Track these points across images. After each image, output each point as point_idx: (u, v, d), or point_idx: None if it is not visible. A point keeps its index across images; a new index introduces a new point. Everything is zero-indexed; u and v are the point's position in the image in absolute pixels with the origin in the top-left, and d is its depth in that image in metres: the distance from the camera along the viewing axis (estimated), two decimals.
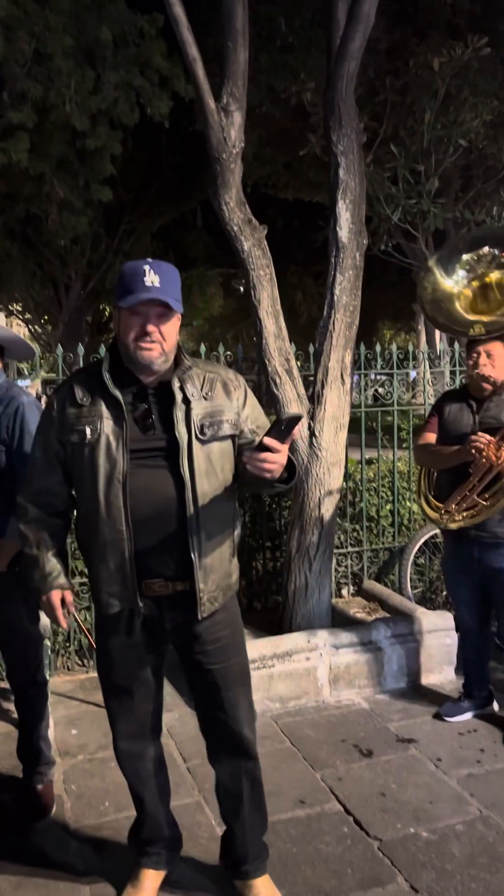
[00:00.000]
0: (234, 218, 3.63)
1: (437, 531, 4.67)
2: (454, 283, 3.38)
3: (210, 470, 2.04)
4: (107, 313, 17.75)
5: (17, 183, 7.42)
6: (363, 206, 3.83)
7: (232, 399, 2.13)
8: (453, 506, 3.13)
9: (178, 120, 7.86)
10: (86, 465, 2.01)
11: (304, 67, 7.40)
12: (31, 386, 4.23)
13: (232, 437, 2.11)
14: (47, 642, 3.25)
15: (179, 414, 2.02)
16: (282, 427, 1.80)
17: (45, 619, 3.24)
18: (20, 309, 16.71)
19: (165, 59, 6.25)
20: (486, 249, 3.39)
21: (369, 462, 4.75)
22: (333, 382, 3.80)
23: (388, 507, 4.78)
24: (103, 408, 2.02)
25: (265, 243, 3.71)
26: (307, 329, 14.57)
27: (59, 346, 4.04)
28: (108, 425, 2.00)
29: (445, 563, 3.48)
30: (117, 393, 2.02)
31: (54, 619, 2.10)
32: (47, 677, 3.24)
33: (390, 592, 4.48)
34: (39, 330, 16.22)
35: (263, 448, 1.82)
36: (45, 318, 15.76)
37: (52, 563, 2.11)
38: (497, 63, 7.52)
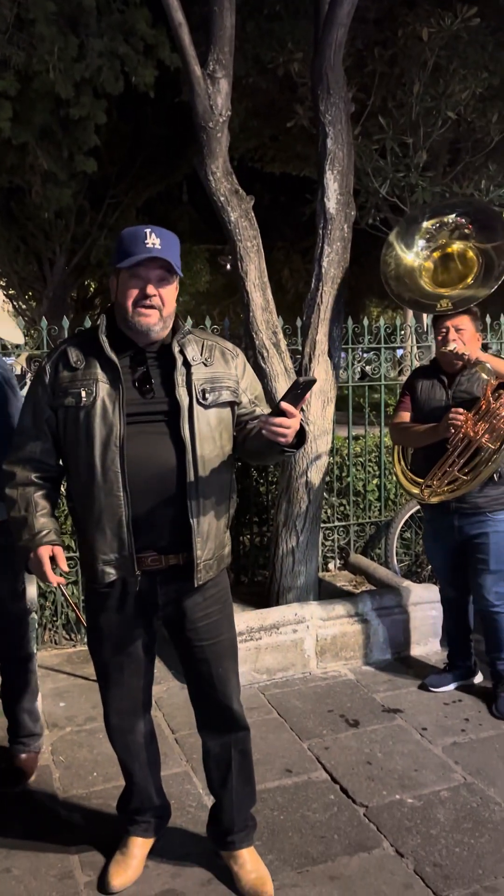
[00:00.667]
0: (221, 188, 3.58)
1: None
2: (415, 255, 3.40)
3: (210, 436, 2.02)
4: (92, 289, 17.58)
5: None
6: (351, 176, 3.80)
7: (230, 367, 2.12)
8: (434, 481, 3.15)
9: (163, 91, 7.72)
10: (81, 429, 1.97)
11: (291, 37, 7.26)
12: (15, 362, 4.19)
13: (231, 405, 2.10)
14: (35, 616, 3.24)
15: (180, 378, 2.01)
16: (297, 391, 1.80)
17: (31, 593, 3.24)
18: (3, 284, 16.50)
19: (150, 26, 6.12)
20: (448, 218, 3.39)
21: (356, 437, 4.75)
22: (321, 356, 3.79)
23: (375, 481, 4.80)
24: (99, 371, 1.98)
25: (252, 214, 3.67)
26: (294, 305, 14.49)
27: (44, 319, 4.00)
28: (103, 388, 1.97)
29: (426, 535, 3.53)
30: (113, 356, 1.98)
31: (42, 576, 2.03)
32: (34, 651, 3.24)
33: (376, 566, 4.51)
34: (24, 306, 16.03)
35: (280, 413, 1.82)
36: (29, 293, 15.57)
37: (42, 522, 2.06)
38: (487, 34, 7.41)
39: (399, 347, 5.29)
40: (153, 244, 1.93)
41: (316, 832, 2.50)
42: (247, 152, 10.15)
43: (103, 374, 1.98)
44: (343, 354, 4.17)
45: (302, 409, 3.70)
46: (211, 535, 2.06)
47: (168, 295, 1.99)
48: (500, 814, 2.57)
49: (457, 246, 3.35)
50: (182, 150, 11.62)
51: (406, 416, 3.32)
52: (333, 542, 4.73)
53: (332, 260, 3.76)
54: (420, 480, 3.26)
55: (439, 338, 3.16)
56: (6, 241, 12.71)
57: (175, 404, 1.99)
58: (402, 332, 5.01)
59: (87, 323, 4.04)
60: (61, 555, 2.03)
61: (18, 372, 4.15)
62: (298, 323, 4.10)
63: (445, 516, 3.24)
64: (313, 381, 1.83)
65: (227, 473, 2.10)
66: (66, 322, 3.96)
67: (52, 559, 2.03)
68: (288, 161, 10.48)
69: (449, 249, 3.37)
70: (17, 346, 4.22)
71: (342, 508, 4.73)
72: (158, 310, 1.97)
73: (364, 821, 2.55)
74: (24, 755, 2.84)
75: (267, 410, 2.15)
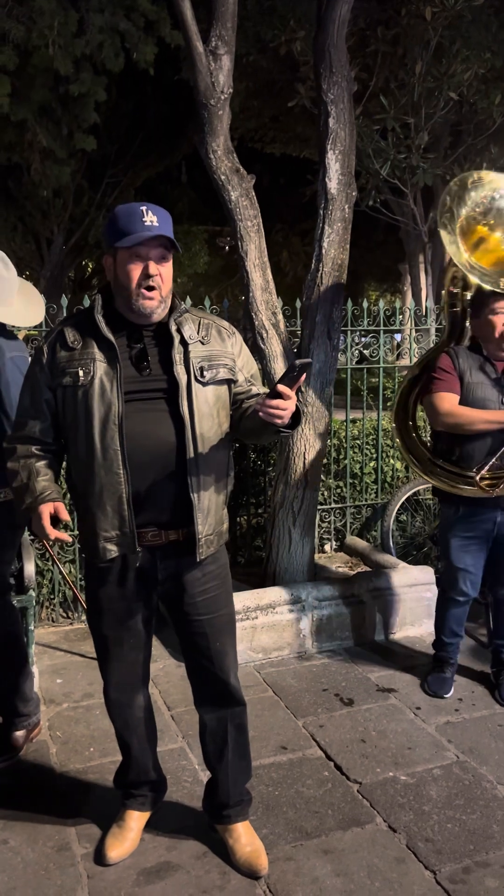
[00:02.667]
0: (222, 167, 3.56)
1: (420, 488, 4.72)
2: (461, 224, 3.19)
3: (209, 413, 2.03)
4: (89, 269, 17.48)
5: None
6: (353, 156, 3.77)
7: (227, 345, 2.13)
8: None
9: (163, 69, 7.65)
10: (79, 408, 1.98)
11: (293, 15, 7.20)
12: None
13: (228, 382, 2.11)
14: (32, 593, 3.26)
15: (178, 355, 2.01)
16: (294, 373, 1.82)
17: (29, 571, 3.25)
18: None
19: (151, 3, 6.05)
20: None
21: (354, 420, 4.76)
22: (320, 337, 3.78)
23: (372, 464, 4.81)
24: (96, 350, 1.99)
25: (253, 193, 3.65)
26: (293, 287, 14.44)
27: (43, 297, 3.97)
28: (101, 367, 1.97)
29: (454, 531, 3.19)
30: (110, 335, 1.99)
31: (42, 533, 1.99)
32: (21, 632, 3.23)
33: (372, 548, 4.53)
34: None
35: (276, 395, 1.84)
36: (27, 273, 15.49)
37: (44, 485, 2.04)
38: (490, 15, 7.35)
39: (398, 331, 5.29)
40: (151, 221, 1.92)
41: (310, 807, 2.53)
42: (247, 132, 10.08)
43: (100, 353, 1.98)
44: (342, 337, 4.16)
45: (300, 390, 3.72)
46: (211, 511, 2.07)
47: (167, 273, 2.00)
48: (491, 791, 2.61)
49: (498, 235, 3.22)
50: (182, 130, 11.53)
51: (455, 399, 3.05)
52: (330, 523, 4.75)
53: (333, 241, 3.74)
54: (470, 474, 3.06)
55: (495, 318, 2.99)
56: (4, 220, 12.62)
57: (173, 382, 2.00)
58: (402, 316, 5.00)
59: (87, 302, 4.03)
60: (63, 508, 2.00)
61: None
62: (298, 304, 4.09)
63: (487, 511, 3.10)
64: (309, 364, 1.84)
65: (225, 451, 2.11)
66: (64, 301, 3.95)
67: (55, 517, 2.00)
68: (288, 142, 10.41)
69: (483, 232, 3.24)
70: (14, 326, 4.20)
71: (339, 491, 4.75)
72: (159, 289, 1.97)
73: (358, 797, 2.59)
74: (17, 732, 2.86)
75: (263, 390, 2.18)
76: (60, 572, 3.89)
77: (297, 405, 1.89)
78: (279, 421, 1.85)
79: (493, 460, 3.03)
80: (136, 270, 1.95)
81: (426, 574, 3.93)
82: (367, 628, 3.80)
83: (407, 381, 3.49)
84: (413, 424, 3.47)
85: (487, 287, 2.99)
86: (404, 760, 2.79)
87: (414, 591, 3.88)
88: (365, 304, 4.54)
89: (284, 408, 1.84)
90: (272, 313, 3.75)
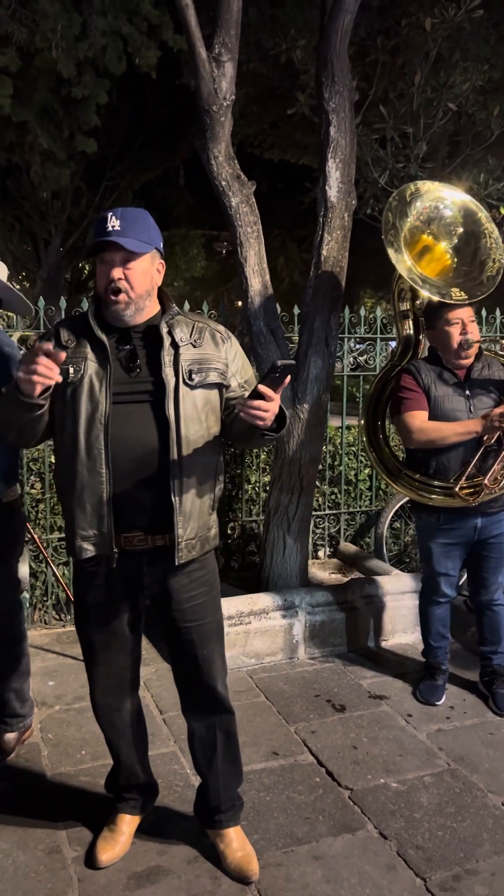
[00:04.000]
0: (223, 172, 3.58)
1: None
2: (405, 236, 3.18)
3: (196, 416, 2.03)
4: (86, 271, 17.48)
5: None
6: (353, 165, 3.80)
7: (220, 350, 2.12)
8: (486, 481, 3.01)
9: (164, 73, 7.66)
10: (67, 406, 1.99)
11: (294, 23, 7.20)
12: None
13: (219, 386, 2.10)
14: (26, 595, 3.25)
15: (167, 357, 2.01)
16: (276, 374, 1.80)
17: (23, 571, 3.25)
18: None
19: (154, 7, 6.07)
20: (445, 213, 3.25)
21: (349, 427, 4.77)
22: (318, 344, 3.80)
23: (367, 471, 4.83)
24: (88, 349, 2.01)
25: (253, 199, 3.67)
26: (289, 294, 14.47)
27: (41, 299, 3.98)
28: (91, 367, 1.99)
29: (434, 537, 3.21)
30: (102, 336, 2.01)
31: (35, 371, 1.76)
32: (25, 633, 3.25)
33: (366, 554, 4.55)
34: (17, 286, 15.96)
35: (257, 395, 1.83)
36: (23, 273, 15.48)
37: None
38: (489, 27, 7.39)
39: (393, 339, 5.31)
40: (113, 227, 1.94)
41: (301, 813, 2.53)
42: (246, 138, 10.07)
43: (92, 352, 2.00)
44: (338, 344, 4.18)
45: (296, 398, 3.73)
46: (193, 515, 2.06)
47: (135, 275, 1.98)
48: (482, 799, 2.62)
49: (443, 245, 3.26)
50: (181, 134, 11.54)
51: (424, 415, 3.06)
52: (324, 530, 4.76)
53: (332, 248, 3.76)
54: (449, 484, 3.07)
55: (451, 329, 3.03)
56: (1, 221, 12.62)
57: (161, 384, 2.00)
58: None
59: (85, 305, 4.03)
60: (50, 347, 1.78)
61: None
62: (296, 311, 4.10)
63: (467, 518, 3.12)
64: (292, 365, 1.83)
65: (212, 455, 2.10)
66: (63, 303, 3.95)
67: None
68: (287, 148, 10.41)
69: (428, 241, 3.27)
70: (10, 327, 4.20)
71: (333, 497, 4.76)
72: (126, 293, 1.97)
73: (349, 803, 2.59)
74: (6, 734, 2.85)
75: None
76: (54, 574, 3.89)
77: (281, 407, 1.90)
78: (261, 423, 1.86)
79: (469, 469, 3.05)
80: (103, 276, 1.98)
81: (419, 581, 3.94)
82: (360, 635, 3.81)
83: (369, 398, 3.53)
84: (384, 438, 3.50)
85: (437, 298, 3.04)
86: (395, 767, 2.80)
87: (407, 599, 3.90)
88: (362, 312, 4.55)
89: (266, 409, 1.83)
90: (270, 319, 3.76)
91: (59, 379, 1.82)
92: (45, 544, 3.94)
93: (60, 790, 2.65)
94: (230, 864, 2.24)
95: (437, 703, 3.26)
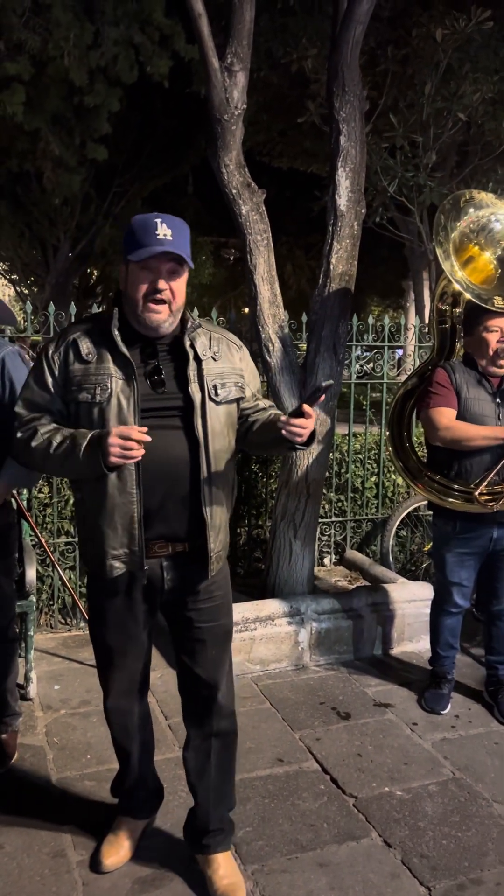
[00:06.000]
0: (234, 181, 3.60)
1: (421, 504, 4.73)
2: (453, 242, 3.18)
3: (221, 431, 2.03)
4: (94, 277, 17.56)
5: (10, 137, 7.28)
6: (363, 174, 3.81)
7: (236, 361, 2.13)
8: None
9: (174, 81, 7.73)
10: (94, 425, 1.94)
11: (305, 32, 7.27)
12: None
13: (237, 400, 2.11)
14: (32, 598, 3.27)
15: (192, 373, 1.99)
16: (318, 394, 1.88)
17: (30, 576, 3.26)
18: (7, 269, 16.48)
19: (166, 16, 6.13)
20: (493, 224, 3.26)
21: (356, 435, 4.78)
22: (326, 352, 3.81)
23: (373, 479, 4.83)
24: (112, 366, 1.95)
25: (263, 208, 3.69)
26: (297, 302, 14.52)
27: (52, 304, 4.01)
28: (118, 385, 1.94)
29: (450, 545, 3.19)
30: (126, 351, 1.96)
31: (129, 438, 1.79)
32: (31, 634, 3.27)
33: (372, 562, 4.55)
34: (26, 291, 16.03)
35: (300, 414, 1.87)
36: (32, 278, 15.56)
37: (83, 431, 1.91)
38: (499, 39, 7.44)
39: (400, 347, 5.32)
40: (164, 235, 1.90)
41: (306, 820, 2.53)
42: (255, 146, 10.15)
43: (117, 369, 1.95)
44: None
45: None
46: (222, 528, 2.09)
47: (178, 288, 1.96)
48: (486, 808, 2.61)
49: (487, 254, 3.25)
50: (190, 142, 11.62)
51: (453, 414, 3.06)
52: (330, 537, 4.76)
53: (341, 257, 3.78)
54: (468, 489, 3.08)
55: (489, 336, 3.04)
56: (11, 227, 12.70)
57: (188, 400, 1.98)
58: (406, 332, 5.04)
59: (95, 310, 4.05)
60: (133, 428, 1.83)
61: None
62: (304, 318, 4.12)
63: (484, 526, 3.11)
64: (332, 385, 1.91)
65: (232, 467, 2.12)
66: (73, 308, 3.98)
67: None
68: (296, 156, 10.48)
69: (474, 251, 3.27)
70: (21, 332, 4.23)
71: (340, 504, 4.77)
72: (168, 304, 1.94)
73: (353, 811, 2.59)
74: (4, 735, 2.86)
75: (268, 403, 2.20)
76: (60, 578, 3.90)
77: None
78: (299, 439, 1.89)
79: (492, 476, 3.05)
80: (144, 284, 1.93)
81: (425, 590, 3.94)
82: (366, 642, 3.81)
83: (401, 394, 3.52)
84: (407, 436, 3.50)
85: (483, 304, 3.02)
86: (400, 776, 2.79)
87: (413, 607, 3.89)
88: (370, 320, 4.57)
89: (306, 426, 1.88)
90: (279, 327, 3.78)
91: (143, 453, 1.83)
92: (52, 548, 3.95)
93: (65, 794, 2.65)
94: (215, 893, 2.16)
95: (443, 711, 3.26)
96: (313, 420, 1.89)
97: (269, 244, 3.73)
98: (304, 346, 4.05)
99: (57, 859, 2.32)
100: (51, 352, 2.02)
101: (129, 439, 1.80)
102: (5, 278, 17.29)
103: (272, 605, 3.67)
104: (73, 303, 4.13)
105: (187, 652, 2.19)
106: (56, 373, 2.00)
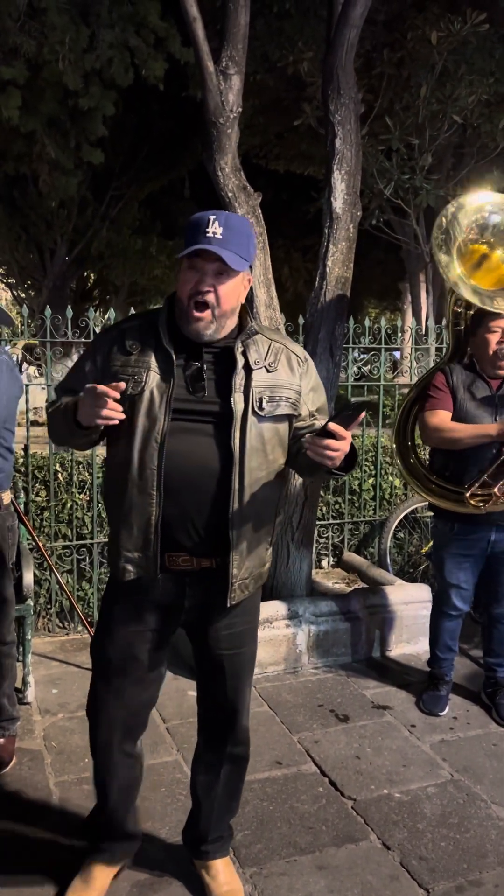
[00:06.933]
0: (229, 184, 3.60)
1: (418, 506, 4.74)
2: (456, 243, 3.14)
3: (261, 448, 1.88)
4: (91, 280, 17.54)
5: (6, 141, 7.29)
6: (358, 177, 3.82)
7: (295, 375, 1.95)
8: (496, 490, 3.01)
9: (170, 84, 7.74)
10: (124, 418, 1.80)
11: (301, 35, 7.29)
12: (11, 352, 4.20)
13: (289, 417, 1.94)
14: (30, 602, 3.26)
15: (238, 381, 1.86)
16: (349, 413, 1.70)
17: (28, 580, 3.26)
18: (3, 272, 16.47)
19: (161, 19, 6.14)
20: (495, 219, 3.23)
21: (353, 437, 4.78)
22: (323, 354, 3.82)
23: (371, 481, 4.83)
24: (152, 359, 1.86)
25: (259, 211, 3.70)
26: (293, 304, 14.51)
27: (49, 308, 4.01)
28: (153, 379, 1.85)
29: (448, 546, 3.22)
30: (170, 347, 1.86)
31: (99, 402, 1.72)
32: (15, 638, 3.25)
33: (369, 564, 4.55)
34: (23, 295, 16.02)
35: (327, 434, 1.69)
36: (29, 282, 15.54)
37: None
38: (495, 42, 7.46)
39: (397, 349, 5.33)
40: (213, 233, 1.78)
41: (304, 823, 2.53)
42: (251, 149, 10.16)
43: (156, 363, 1.86)
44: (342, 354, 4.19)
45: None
46: (252, 554, 1.93)
47: (226, 291, 1.82)
48: (485, 810, 2.61)
49: (499, 252, 3.22)
50: (186, 145, 11.62)
51: (447, 415, 3.08)
52: (327, 539, 4.77)
53: (337, 259, 3.79)
54: (459, 490, 3.09)
55: (491, 336, 3.03)
56: (7, 230, 12.69)
57: (228, 409, 1.85)
58: (402, 334, 5.05)
59: (91, 314, 4.06)
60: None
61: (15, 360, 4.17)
62: (300, 321, 4.12)
63: (481, 529, 3.12)
64: (368, 403, 1.73)
65: (275, 489, 1.94)
66: (69, 312, 3.98)
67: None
68: (292, 159, 10.50)
69: (484, 250, 3.24)
70: (15, 335, 4.23)
71: (337, 507, 4.77)
72: (212, 308, 1.82)
73: (352, 813, 2.59)
74: (1, 740, 2.85)
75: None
76: (58, 582, 3.90)
77: (352, 446, 1.76)
78: (329, 462, 1.72)
79: (484, 477, 3.05)
80: (188, 283, 1.83)
81: (423, 591, 3.95)
82: (364, 645, 3.81)
83: (406, 403, 3.52)
84: (412, 445, 3.50)
85: (477, 303, 3.03)
86: (399, 778, 2.79)
87: (410, 609, 3.90)
88: (367, 323, 4.58)
89: (336, 448, 1.69)
90: (275, 329, 3.78)
91: (123, 417, 1.75)
92: (49, 552, 3.95)
93: (64, 797, 2.65)
94: None
95: (441, 713, 3.26)
96: (347, 441, 1.69)
97: (265, 247, 3.74)
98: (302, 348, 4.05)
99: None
100: (99, 340, 1.98)
101: (101, 395, 1.70)
102: (2, 282, 17.29)
103: (270, 608, 3.67)
104: (69, 306, 4.13)
105: (208, 677, 2.10)
106: (98, 360, 1.94)
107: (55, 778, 2.76)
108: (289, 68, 7.37)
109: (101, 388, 1.70)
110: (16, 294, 16.60)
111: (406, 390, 6.17)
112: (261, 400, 1.87)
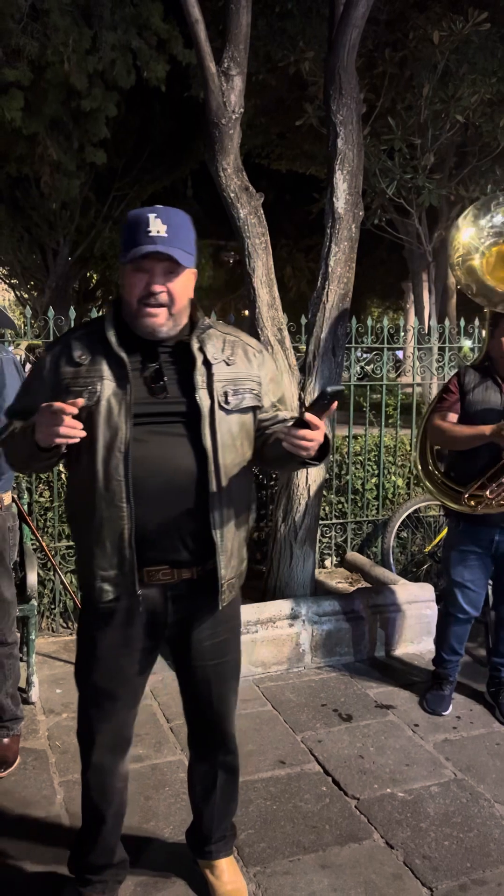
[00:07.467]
0: (231, 184, 3.61)
1: (421, 505, 4.75)
2: (477, 245, 3.17)
3: (232, 444, 1.83)
4: (94, 281, 17.58)
5: (8, 142, 7.31)
6: (360, 177, 3.83)
7: (253, 366, 1.92)
8: (487, 493, 3.02)
9: (172, 85, 7.76)
10: (84, 435, 1.72)
11: (303, 35, 7.30)
12: (15, 352, 4.21)
13: (253, 410, 1.91)
14: (34, 602, 3.27)
15: (200, 378, 1.81)
16: (324, 402, 1.66)
17: (31, 580, 3.27)
18: (6, 273, 16.50)
19: (163, 21, 6.15)
20: None
21: (356, 437, 4.79)
22: (325, 354, 3.82)
23: (374, 480, 4.84)
24: (104, 367, 1.78)
25: (261, 211, 3.70)
26: (296, 304, 14.53)
27: (51, 308, 4.02)
28: (109, 387, 1.76)
29: (455, 546, 3.24)
30: (121, 352, 1.79)
31: (56, 420, 1.63)
32: (32, 638, 3.28)
33: (372, 564, 4.55)
34: (26, 295, 16.06)
35: (303, 424, 1.66)
36: (32, 282, 15.58)
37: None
38: (497, 41, 7.46)
39: (399, 349, 5.34)
40: (157, 231, 1.71)
41: (308, 822, 2.54)
42: (253, 149, 10.18)
43: (109, 371, 1.78)
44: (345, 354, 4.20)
45: (302, 406, 3.75)
46: (235, 552, 1.88)
47: (179, 288, 1.77)
48: (488, 809, 2.61)
49: None
50: (188, 145, 11.65)
51: (454, 416, 3.12)
52: (331, 539, 4.77)
53: (339, 259, 3.79)
54: (459, 489, 3.11)
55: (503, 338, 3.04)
56: (10, 231, 12.73)
57: (194, 407, 1.79)
58: (405, 334, 5.05)
59: (94, 314, 4.07)
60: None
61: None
62: (303, 321, 4.13)
63: (485, 529, 3.12)
64: (341, 391, 1.68)
65: (247, 483, 1.91)
66: (72, 313, 3.99)
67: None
68: (294, 159, 10.52)
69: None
70: (18, 336, 4.25)
71: (340, 506, 4.77)
72: (167, 307, 1.77)
73: (355, 812, 2.59)
74: (6, 739, 2.87)
75: (290, 414, 2.00)
76: (62, 582, 3.91)
77: (325, 434, 1.71)
78: (304, 453, 1.69)
79: (483, 479, 3.06)
80: (137, 286, 1.76)
81: (426, 591, 3.95)
82: (367, 644, 3.81)
83: (428, 409, 3.51)
84: (432, 452, 3.49)
85: (487, 307, 3.05)
86: (402, 777, 2.80)
87: (414, 608, 3.90)
88: (369, 322, 4.58)
89: (312, 438, 1.66)
90: (278, 329, 3.79)
91: (84, 434, 1.67)
92: (52, 552, 3.96)
93: (68, 796, 2.66)
94: None
95: (444, 713, 3.26)
96: (321, 431, 1.66)
97: (268, 247, 3.74)
98: (303, 348, 4.06)
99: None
100: (44, 357, 1.89)
101: (57, 413, 1.61)
102: (5, 283, 17.32)
103: (273, 608, 3.68)
104: (72, 307, 4.14)
105: (192, 689, 2.05)
106: (45, 377, 1.85)
107: (59, 777, 2.77)
108: (291, 68, 7.39)
109: (57, 405, 1.62)
110: (19, 295, 16.64)
111: (409, 390, 6.18)
112: (225, 394, 1.83)
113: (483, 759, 2.92)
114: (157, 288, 1.75)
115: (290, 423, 1.72)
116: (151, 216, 1.73)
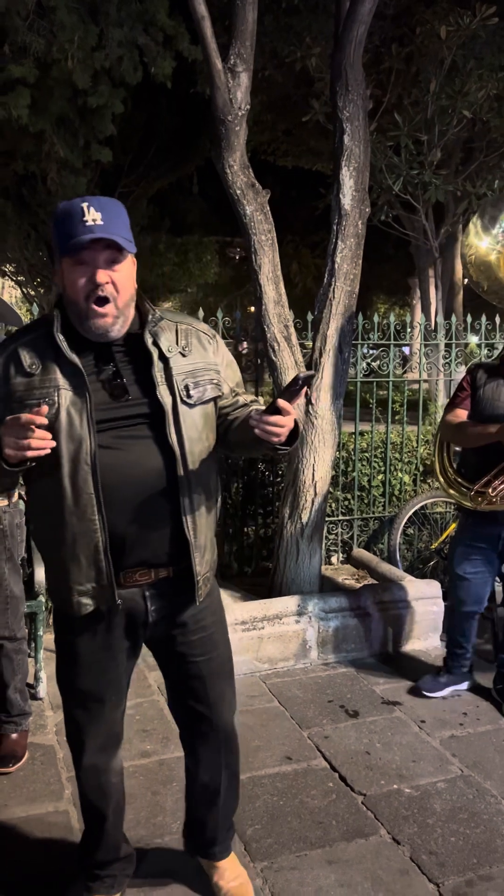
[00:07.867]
0: (238, 181, 3.61)
1: (428, 502, 4.74)
2: (491, 243, 3.19)
3: (198, 437, 1.80)
4: None
5: (15, 140, 7.32)
6: (367, 173, 3.82)
7: (209, 354, 1.88)
8: (490, 490, 3.03)
9: (178, 82, 7.75)
10: (54, 445, 1.64)
11: (309, 32, 7.28)
12: None
13: (214, 398, 1.87)
14: (41, 598, 3.29)
15: (158, 374, 1.75)
16: (295, 388, 1.64)
17: (39, 576, 3.29)
18: (13, 270, 16.53)
19: (169, 17, 6.15)
20: None
21: (362, 433, 4.79)
22: (331, 351, 3.82)
23: (380, 477, 4.84)
24: (59, 376, 1.69)
25: (268, 208, 3.70)
26: (302, 300, 14.51)
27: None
28: (66, 397, 1.68)
29: (461, 541, 3.28)
30: (74, 357, 1.70)
31: (20, 432, 1.55)
32: (40, 634, 3.29)
33: (379, 560, 4.55)
34: (32, 293, 16.06)
35: (275, 410, 1.62)
36: (38, 280, 15.59)
37: None
38: None
39: (406, 345, 5.33)
40: (94, 220, 1.63)
41: (314, 818, 2.54)
42: (259, 145, 10.17)
43: (64, 379, 1.69)
44: (351, 350, 4.19)
45: (308, 403, 3.75)
46: (207, 547, 1.87)
47: (122, 279, 1.69)
48: (495, 805, 2.62)
49: None
50: (194, 142, 11.64)
51: (463, 413, 3.16)
52: (337, 535, 4.77)
53: (346, 256, 3.79)
54: (468, 485, 3.14)
55: None
56: (17, 228, 12.73)
57: (157, 405, 1.74)
58: (412, 330, 5.04)
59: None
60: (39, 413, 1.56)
61: None
62: (309, 317, 4.13)
63: (491, 526, 3.14)
64: (312, 376, 1.69)
65: (213, 475, 1.88)
66: None
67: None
68: (301, 155, 10.50)
69: None
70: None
71: (346, 503, 4.77)
72: (113, 301, 1.68)
73: (362, 808, 2.60)
74: (14, 735, 2.88)
75: (250, 398, 1.97)
76: None
77: (295, 420, 1.68)
78: (276, 439, 1.65)
79: (489, 476, 3.08)
80: (80, 280, 1.67)
81: (433, 587, 3.95)
82: (373, 641, 3.82)
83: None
84: (448, 449, 3.49)
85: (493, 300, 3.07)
86: (409, 773, 2.80)
87: (420, 605, 3.90)
88: (376, 319, 4.58)
89: (283, 424, 1.62)
90: (284, 326, 3.79)
91: (53, 444, 1.59)
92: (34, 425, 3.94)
93: (76, 791, 2.66)
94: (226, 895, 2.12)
95: (429, 694, 3.32)
96: (292, 417, 1.63)
97: (274, 244, 3.74)
98: (309, 344, 4.06)
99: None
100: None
101: (26, 426, 1.53)
102: (12, 280, 17.34)
103: (280, 604, 3.69)
104: None
105: (186, 690, 2.00)
106: None
107: (67, 773, 2.78)
108: (297, 64, 7.38)
109: (25, 416, 1.53)
110: (25, 292, 16.65)
111: (415, 386, 6.17)
112: (186, 388, 1.78)
113: (490, 755, 2.92)
114: (102, 278, 1.66)
115: (263, 409, 1.67)
116: (84, 205, 1.65)
